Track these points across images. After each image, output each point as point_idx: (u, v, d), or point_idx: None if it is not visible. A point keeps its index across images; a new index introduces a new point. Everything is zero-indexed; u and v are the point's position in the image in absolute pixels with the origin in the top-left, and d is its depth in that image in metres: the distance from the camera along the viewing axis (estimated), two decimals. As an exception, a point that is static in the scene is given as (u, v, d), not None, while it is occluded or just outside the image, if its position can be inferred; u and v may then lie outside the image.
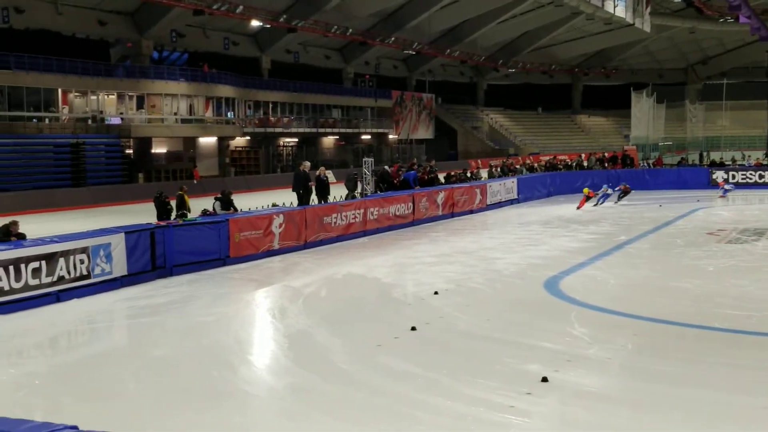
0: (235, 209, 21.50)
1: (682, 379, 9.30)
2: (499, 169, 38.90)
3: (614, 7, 40.94)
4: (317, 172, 25.91)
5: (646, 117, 48.28)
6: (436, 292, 14.18)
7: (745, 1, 41.32)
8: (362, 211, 22.90)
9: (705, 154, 49.38)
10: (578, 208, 29.10)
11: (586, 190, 29.95)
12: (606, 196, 30.10)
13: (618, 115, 66.97)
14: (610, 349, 10.61)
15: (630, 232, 23.43)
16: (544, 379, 9.01)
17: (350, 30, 53.11)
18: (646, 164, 43.89)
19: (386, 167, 31.12)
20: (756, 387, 8.96)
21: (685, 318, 12.34)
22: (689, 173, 40.99)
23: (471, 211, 29.13)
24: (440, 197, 27.38)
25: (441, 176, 32.82)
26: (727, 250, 19.49)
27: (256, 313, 13.73)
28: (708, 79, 71.09)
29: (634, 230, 23.77)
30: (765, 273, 16.20)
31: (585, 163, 43.91)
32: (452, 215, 27.70)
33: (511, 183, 33.73)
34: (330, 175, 24.51)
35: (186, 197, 24.36)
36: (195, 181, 41.38)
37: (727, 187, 33.82)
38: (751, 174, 38.93)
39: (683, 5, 51.66)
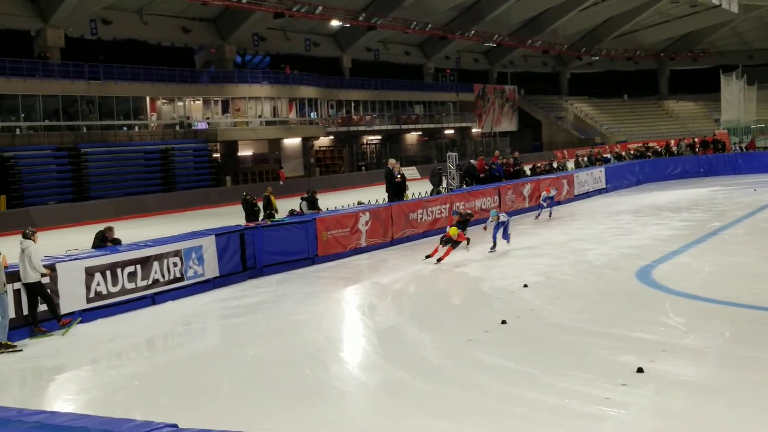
0: (319, 209, 21.67)
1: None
2: (585, 159, 38.32)
3: (700, -12, 39.83)
4: (390, 167, 23.99)
5: (736, 100, 46.93)
6: (525, 285, 14.04)
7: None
8: (448, 206, 22.81)
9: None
10: (429, 256, 17.23)
11: (453, 230, 17.42)
12: (502, 225, 18.34)
13: (707, 99, 65.29)
14: (707, 337, 10.36)
15: (724, 218, 22.84)
16: (640, 370, 8.85)
17: (429, 25, 52.98)
18: (738, 148, 42.66)
19: (471, 161, 30.96)
20: None
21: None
22: (789, 156, 39.67)
23: (559, 203, 28.75)
24: (526, 189, 27.11)
25: (527, 168, 32.51)
26: (829, 233, 18.85)
27: (345, 311, 13.82)
28: (802, 57, 68.71)
29: (727, 216, 23.17)
30: None
31: (675, 149, 42.89)
32: (539, 207, 27.39)
33: (599, 172, 33.17)
34: (414, 171, 24.18)
35: (272, 198, 24.69)
36: (281, 183, 41.90)
37: None
38: None
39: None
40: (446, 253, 16.90)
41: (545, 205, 24.65)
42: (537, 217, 24.88)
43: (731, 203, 26.61)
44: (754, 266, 15.34)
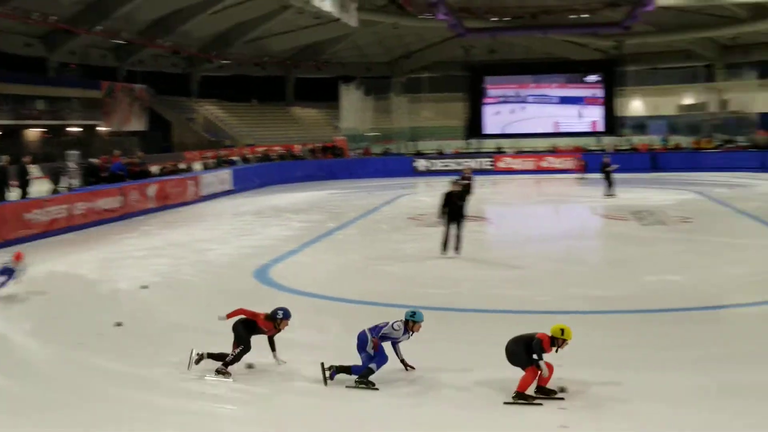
0: None
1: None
2: (213, 161, 38.75)
3: (322, 1, 41.95)
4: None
5: (354, 109, 50.13)
6: (144, 286, 13.97)
7: (442, 0, 44.00)
8: (67, 205, 21.93)
9: (410, 144, 52.08)
10: None
11: None
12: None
13: (330, 107, 68.63)
14: (318, 332, 11.04)
15: (339, 219, 24.31)
16: (250, 366, 9.25)
17: (53, 17, 50.27)
18: (355, 154, 45.60)
19: (93, 160, 29.96)
20: (453, 356, 9.75)
21: (388, 299, 13.07)
22: (394, 162, 43.22)
23: (185, 203, 28.80)
24: (152, 189, 26.84)
25: (154, 168, 32.15)
26: (427, 232, 20.80)
27: (-54, 319, 12.78)
28: (411, 72, 74.77)
29: (342, 217, 24.70)
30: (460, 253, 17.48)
31: (299, 154, 44.77)
32: (165, 207, 27.25)
33: (226, 174, 33.73)
34: (35, 170, 22.84)
35: None
36: None
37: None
38: (449, 161, 41.68)
39: (387, 2, 53.96)
40: None
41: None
42: None
43: (347, 205, 28.41)
44: (364, 264, 16.57)
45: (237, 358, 9.07)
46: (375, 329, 9.12)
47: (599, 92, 48.31)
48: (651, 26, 60.40)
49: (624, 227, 21.40)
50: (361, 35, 69.34)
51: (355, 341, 9.13)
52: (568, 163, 41.24)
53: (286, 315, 9.45)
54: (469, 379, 8.83)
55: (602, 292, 13.51)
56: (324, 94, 71.21)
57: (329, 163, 41.68)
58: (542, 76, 50.07)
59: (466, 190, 18.23)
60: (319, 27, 63.69)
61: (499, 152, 45.41)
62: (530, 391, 8.25)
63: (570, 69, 52.51)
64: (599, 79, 48.33)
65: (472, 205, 26.50)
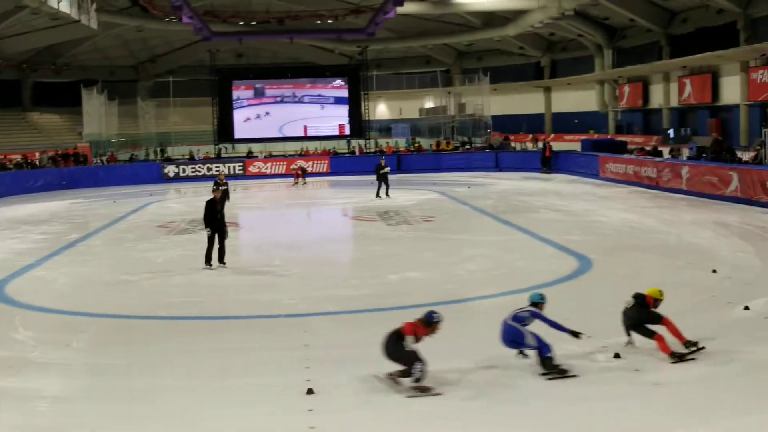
0: None
1: (135, 371, 9.74)
2: (-60, 172, 35.94)
3: (58, 2, 40.05)
4: None
5: (98, 114, 48.28)
6: None
7: (187, 3, 43.28)
8: None
9: (158, 150, 50.92)
10: None
11: None
12: None
13: (71, 112, 65.54)
14: (57, 349, 10.60)
15: (82, 229, 23.42)
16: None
17: None
18: (100, 161, 43.96)
19: None
20: (202, 369, 9.72)
21: (134, 310, 12.83)
22: (142, 168, 42.14)
23: None
24: None
25: None
26: (176, 240, 20.52)
27: None
28: (158, 76, 73.09)
29: (86, 227, 23.83)
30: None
31: (37, 162, 42.41)
32: None
33: (-45, 186, 31.41)
34: None
35: None
36: None
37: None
38: (200, 167, 41.22)
39: (129, 4, 52.39)
40: None
41: None
42: None
43: (91, 215, 27.38)
44: (108, 275, 16.07)
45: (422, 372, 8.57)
46: (517, 318, 9.20)
47: (345, 96, 49.54)
48: (393, 33, 62.80)
49: (370, 228, 22.16)
50: (103, 38, 66.86)
51: (502, 336, 9.24)
52: (318, 165, 42.07)
53: (440, 318, 9.00)
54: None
55: (348, 292, 13.95)
56: (65, 98, 67.90)
57: (72, 171, 39.88)
58: (290, 81, 50.63)
59: (224, 196, 18.10)
60: (56, 29, 60.58)
61: (250, 156, 45.46)
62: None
63: (317, 73, 53.48)
64: (345, 83, 49.57)
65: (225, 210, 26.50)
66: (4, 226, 24.49)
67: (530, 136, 52.81)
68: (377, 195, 28.55)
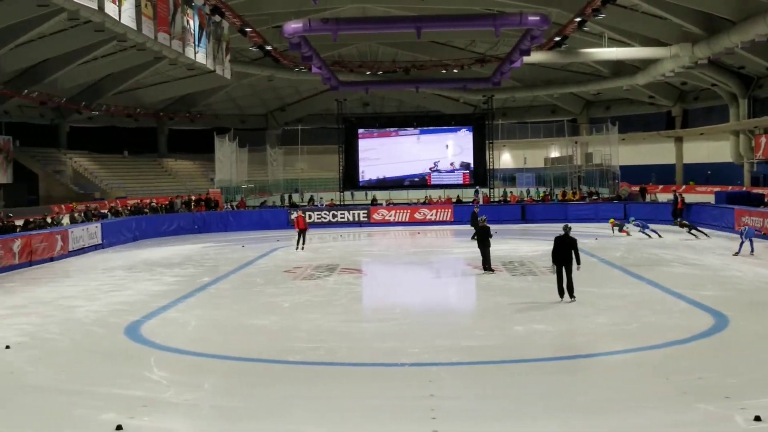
0: None
1: (262, 415, 9.85)
2: (82, 214, 37.70)
3: (195, 53, 41.75)
4: None
5: (229, 161, 49.88)
6: (7, 347, 13.46)
7: (316, 53, 44.47)
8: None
9: (288, 196, 52.10)
10: None
11: None
12: None
13: (203, 158, 68.06)
14: (189, 390, 10.85)
15: (213, 273, 24.05)
16: (119, 428, 9.02)
17: None
18: (230, 206, 45.27)
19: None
20: (327, 416, 9.77)
21: (262, 354, 13.05)
22: (270, 214, 43.09)
23: (52, 259, 27.91)
24: (16, 245, 25.91)
25: (18, 222, 31.07)
26: (302, 286, 20.83)
27: None
28: (286, 124, 75.11)
29: (217, 271, 24.44)
30: (334, 306, 17.61)
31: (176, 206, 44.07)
32: (30, 263, 26.33)
33: (95, 228, 32.88)
34: None
35: None
36: None
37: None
38: (325, 214, 41.90)
39: (262, 54, 54.15)
40: None
41: None
42: None
43: (221, 259, 28.13)
44: (237, 319, 16.41)
45: None
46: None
47: (470, 145, 49.60)
48: (519, 82, 62.73)
49: (494, 278, 21.93)
50: (235, 87, 69.34)
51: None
52: (441, 214, 42.10)
53: None
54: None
55: (471, 342, 13.81)
56: (198, 145, 70.60)
57: (203, 215, 41.23)
58: (415, 129, 51.10)
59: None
60: (192, 78, 63.35)
61: (374, 204, 45.92)
62: None
63: (441, 122, 53.85)
64: (470, 132, 49.66)
65: (346, 257, 26.79)
66: (140, 268, 25.46)
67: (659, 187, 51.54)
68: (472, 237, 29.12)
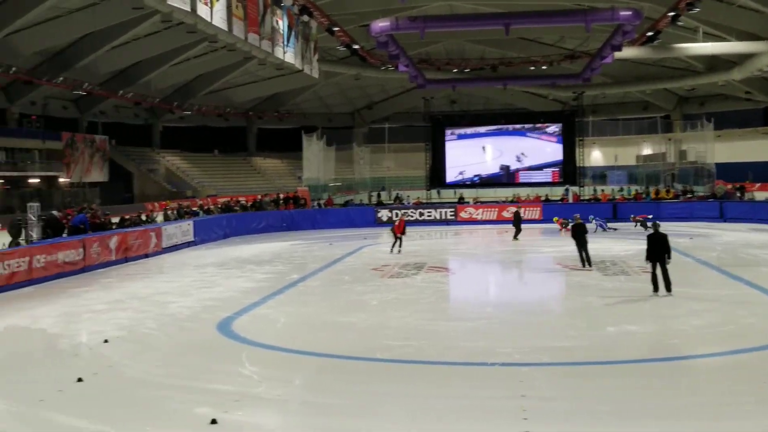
0: None
1: (352, 411, 9.87)
2: (175, 212, 38.54)
3: (284, 53, 42.29)
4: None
5: (316, 159, 50.30)
6: (106, 341, 13.82)
7: (403, 51, 44.54)
8: (27, 258, 21.68)
9: (377, 194, 52.31)
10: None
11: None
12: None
13: (292, 157, 68.93)
14: (280, 386, 10.96)
15: (301, 270, 24.29)
16: (214, 421, 9.16)
17: (14, 68, 50.12)
18: (317, 204, 45.65)
19: (54, 212, 29.70)
20: (417, 414, 9.72)
21: (350, 351, 13.08)
22: (357, 212, 43.26)
23: (146, 255, 28.59)
24: (113, 242, 26.63)
25: (115, 220, 31.96)
26: (389, 284, 20.84)
27: None
28: (373, 123, 75.47)
29: (305, 268, 24.67)
30: (422, 304, 17.56)
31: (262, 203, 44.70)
32: (126, 260, 27.03)
33: (188, 225, 33.55)
34: None
35: None
36: None
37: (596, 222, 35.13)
38: (411, 212, 41.87)
39: (349, 53, 54.52)
40: None
41: None
42: None
43: (310, 256, 28.39)
44: (326, 316, 16.53)
45: None
46: None
47: (559, 142, 48.93)
48: (609, 78, 61.67)
49: (586, 277, 21.55)
50: (323, 86, 70.04)
51: None
52: (530, 212, 41.62)
53: None
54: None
55: (562, 342, 13.59)
56: (286, 144, 71.55)
57: (291, 213, 41.69)
58: (502, 127, 50.65)
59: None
60: (281, 78, 64.24)
61: (462, 202, 45.70)
62: None
63: (530, 119, 53.16)
64: (559, 129, 48.99)
65: (434, 256, 26.70)
66: (231, 265, 25.88)
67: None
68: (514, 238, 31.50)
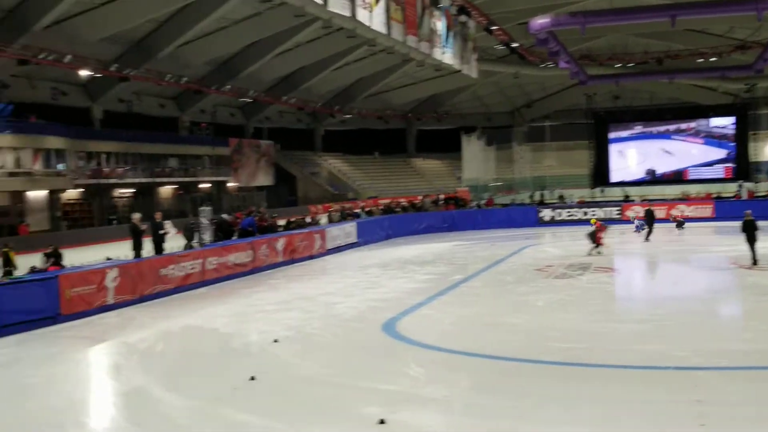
0: (62, 265, 20.72)
1: (517, 414, 9.72)
2: (338, 214, 39.29)
3: (442, 54, 42.33)
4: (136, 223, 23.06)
5: (476, 159, 50.13)
6: (276, 340, 14.21)
7: (563, 48, 43.70)
8: (201, 261, 22.62)
9: (539, 193, 51.63)
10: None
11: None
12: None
13: (451, 157, 68.95)
14: (446, 387, 10.93)
15: (464, 271, 24.19)
16: (382, 421, 9.21)
17: (184, 78, 52.51)
18: (477, 205, 45.45)
19: (224, 216, 30.88)
20: (586, 419, 9.48)
21: (516, 353, 12.89)
22: (518, 212, 42.76)
23: (311, 257, 29.27)
24: (280, 244, 27.41)
25: (281, 222, 32.91)
26: (554, 285, 20.46)
27: (88, 372, 13.30)
28: (532, 121, 74.48)
29: (467, 269, 24.56)
30: (589, 306, 17.13)
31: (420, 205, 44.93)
32: (292, 261, 27.76)
33: (351, 227, 34.14)
34: (168, 226, 23.42)
35: (12, 254, 23.37)
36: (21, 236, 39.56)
37: (636, 223, 34.31)
38: (575, 211, 41.01)
39: (507, 52, 54.04)
40: None
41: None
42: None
43: (471, 257, 28.25)
44: (490, 317, 16.38)
45: None
46: None
47: (731, 137, 46.73)
48: (784, 67, 58.32)
49: (761, 277, 20.46)
50: (481, 85, 69.64)
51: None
52: (701, 210, 39.94)
53: None
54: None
55: (739, 345, 12.93)
56: (445, 145, 71.61)
57: (452, 214, 41.68)
58: (669, 122, 48.85)
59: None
60: (439, 79, 64.36)
61: (627, 201, 44.37)
62: None
63: (699, 114, 51.06)
64: (730, 123, 46.77)
65: (599, 256, 26.01)
66: (393, 266, 26.11)
67: None
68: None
